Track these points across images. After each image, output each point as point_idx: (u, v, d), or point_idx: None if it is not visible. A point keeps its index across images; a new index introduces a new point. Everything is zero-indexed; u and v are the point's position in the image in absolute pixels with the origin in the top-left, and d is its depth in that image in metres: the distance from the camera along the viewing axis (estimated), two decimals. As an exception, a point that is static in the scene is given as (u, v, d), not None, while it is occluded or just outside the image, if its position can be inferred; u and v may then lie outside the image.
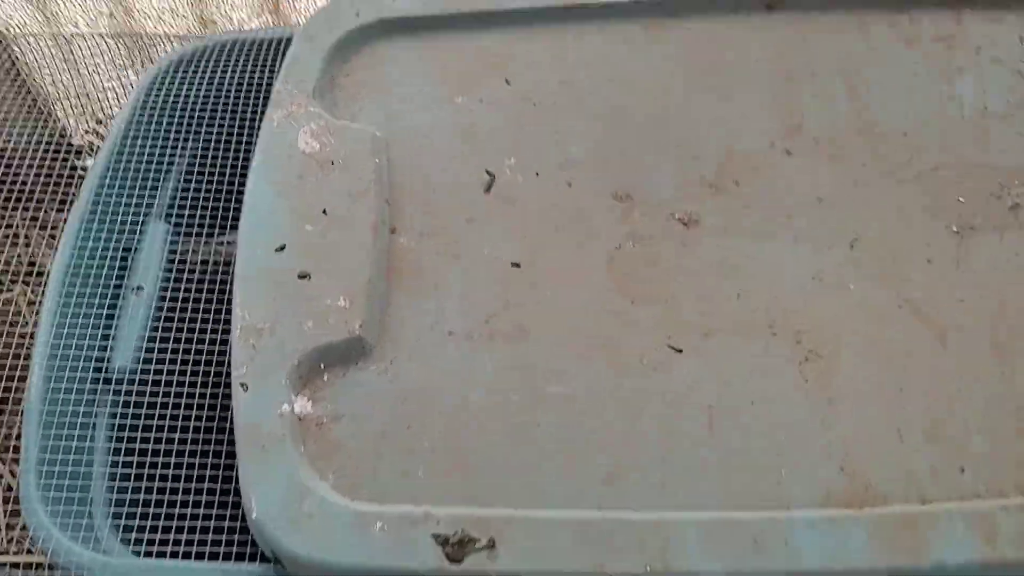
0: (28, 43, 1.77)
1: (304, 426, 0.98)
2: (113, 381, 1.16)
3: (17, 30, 1.79)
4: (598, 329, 1.04)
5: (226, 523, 0.98)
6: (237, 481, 0.96)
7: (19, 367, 1.29)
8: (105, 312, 1.21)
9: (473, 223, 1.12)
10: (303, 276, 1.06)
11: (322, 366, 1.02)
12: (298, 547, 0.90)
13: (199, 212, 1.25)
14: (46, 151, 1.71)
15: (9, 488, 1.69)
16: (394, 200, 1.14)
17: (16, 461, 1.65)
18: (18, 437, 1.20)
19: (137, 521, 1.02)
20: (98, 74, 1.79)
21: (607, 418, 0.98)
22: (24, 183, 1.53)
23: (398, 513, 0.92)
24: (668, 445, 0.96)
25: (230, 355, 1.02)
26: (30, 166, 1.55)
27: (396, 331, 1.05)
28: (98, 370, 1.18)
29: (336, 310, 1.03)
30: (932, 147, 1.13)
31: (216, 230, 1.25)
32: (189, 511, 1.01)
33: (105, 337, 1.19)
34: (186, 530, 0.99)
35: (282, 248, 1.08)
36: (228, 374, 1.02)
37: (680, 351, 1.02)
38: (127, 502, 1.04)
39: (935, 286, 1.04)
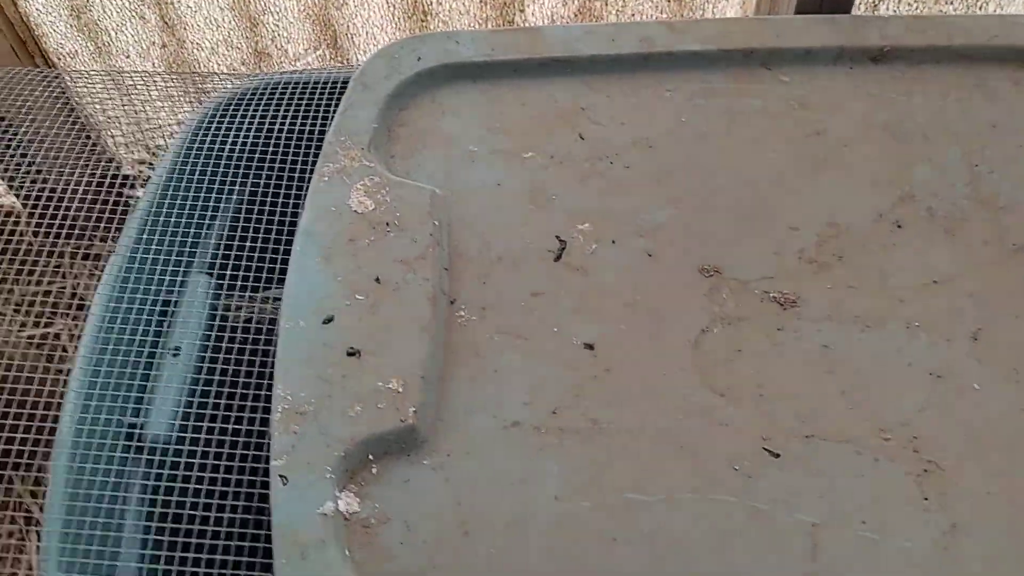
0: (79, 75, 1.71)
1: (350, 528, 0.87)
2: (146, 450, 1.07)
3: (68, 61, 1.73)
4: (682, 426, 0.91)
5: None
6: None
7: (59, 406, 1.21)
8: (140, 373, 1.12)
9: (540, 297, 1.01)
10: (352, 353, 0.95)
11: (371, 457, 0.91)
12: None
13: (244, 265, 1.15)
14: (95, 180, 1.64)
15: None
16: (453, 268, 1.03)
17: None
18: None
19: None
20: (149, 104, 1.72)
21: (695, 534, 0.85)
22: (73, 212, 1.45)
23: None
24: (767, 571, 0.83)
25: (270, 440, 0.92)
26: (78, 195, 1.47)
27: (453, 420, 0.93)
28: (130, 437, 1.09)
29: (388, 394, 0.92)
30: (1067, 224, 1.00)
31: (262, 284, 1.16)
32: None
33: (139, 400, 1.10)
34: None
35: (330, 320, 0.97)
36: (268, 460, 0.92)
37: (778, 456, 0.89)
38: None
39: (1075, 390, 0.90)
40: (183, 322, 1.16)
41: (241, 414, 1.05)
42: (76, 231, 1.42)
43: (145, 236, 1.19)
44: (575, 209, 1.07)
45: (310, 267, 1.01)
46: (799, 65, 1.13)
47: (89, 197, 1.49)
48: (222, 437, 1.02)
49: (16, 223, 2.08)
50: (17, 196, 1.93)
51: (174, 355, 1.15)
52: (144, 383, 1.13)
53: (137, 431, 1.09)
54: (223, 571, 0.93)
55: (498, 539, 0.86)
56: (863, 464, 0.88)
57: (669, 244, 1.04)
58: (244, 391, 1.06)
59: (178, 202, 1.21)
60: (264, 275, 1.15)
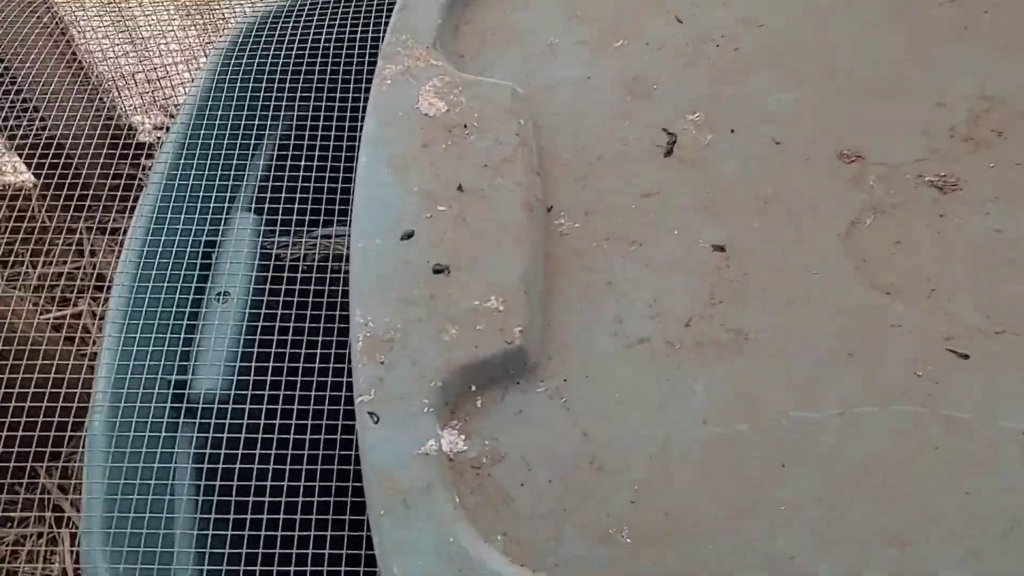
0: (88, 24, 1.56)
1: (457, 470, 0.72)
2: (197, 412, 0.92)
3: (73, 8, 1.59)
4: (847, 331, 0.76)
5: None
6: (370, 547, 0.71)
7: (86, 394, 1.06)
8: (184, 324, 0.98)
9: (654, 197, 0.85)
10: (439, 270, 0.80)
11: (473, 387, 0.76)
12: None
13: (295, 202, 1.00)
14: (110, 149, 1.49)
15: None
16: (546, 171, 0.88)
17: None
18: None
19: None
20: (167, 57, 1.57)
21: (882, 452, 0.70)
22: (87, 185, 1.31)
23: (599, 595, 0.65)
24: (973, 489, 0.68)
25: (352, 376, 0.77)
26: (92, 165, 1.33)
27: (566, 341, 0.78)
28: (178, 398, 0.94)
29: (487, 313, 0.77)
30: None
31: (318, 222, 1.01)
32: None
33: (185, 356, 0.96)
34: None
35: (409, 236, 0.82)
36: (347, 402, 0.78)
37: (966, 356, 0.74)
38: (223, 572, 0.79)
39: None
40: (230, 265, 1.01)
41: (311, 363, 0.90)
42: (89, 202, 1.27)
43: (180, 172, 1.04)
44: (681, 99, 0.91)
45: (380, 179, 0.86)
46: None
47: (105, 164, 1.35)
48: (289, 387, 0.87)
49: (28, 201, 1.93)
50: (28, 165, 1.78)
51: (221, 300, 1.00)
52: (188, 335, 0.98)
53: (185, 390, 0.95)
54: (302, 550, 0.78)
55: (639, 473, 0.71)
56: (1074, 360, 0.72)
57: (798, 130, 0.88)
58: (311, 336, 0.91)
59: (214, 132, 1.07)
60: (323, 212, 1.00)
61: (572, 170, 0.88)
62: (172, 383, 0.94)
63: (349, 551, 0.75)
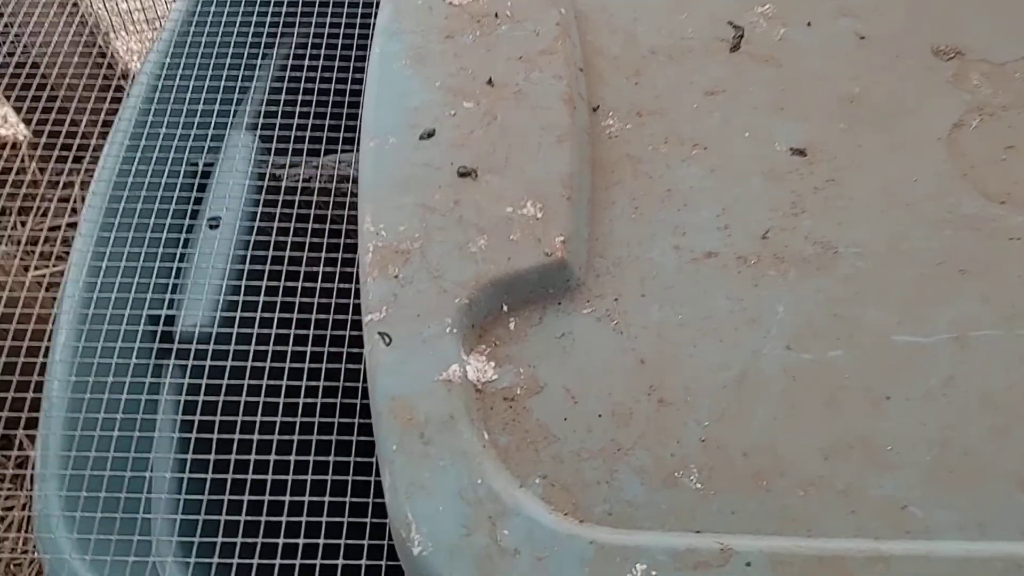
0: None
1: (486, 401, 0.60)
2: (181, 350, 0.79)
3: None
4: (956, 245, 0.63)
5: (362, 562, 0.60)
6: (379, 494, 0.58)
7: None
8: (169, 253, 0.85)
9: (719, 96, 0.72)
10: (465, 174, 0.68)
11: (505, 307, 0.63)
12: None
13: (305, 128, 0.88)
14: (101, 91, 1.37)
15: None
16: (590, 67, 0.75)
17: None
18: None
19: (217, 558, 0.64)
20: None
21: (1005, 384, 0.57)
22: (74, 133, 1.17)
23: (669, 547, 0.52)
24: None
25: (359, 293, 0.64)
26: (81, 110, 1.19)
27: (617, 254, 0.65)
28: (163, 335, 0.82)
29: (522, 222, 0.65)
30: None
31: (322, 151, 0.89)
32: (301, 542, 0.62)
33: (169, 288, 0.83)
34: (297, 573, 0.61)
35: (430, 135, 0.70)
36: (353, 342, 0.65)
37: (1105, 276, 0.61)
38: (202, 527, 0.66)
39: None
40: (224, 189, 0.88)
41: (309, 297, 0.77)
42: (75, 153, 1.14)
43: (163, 85, 0.91)
44: (748, -10, 0.78)
45: (396, 72, 0.74)
46: None
47: (97, 108, 1.22)
48: (285, 321, 0.74)
49: (15, 152, 1.81)
50: (17, 111, 1.66)
51: (212, 228, 0.87)
52: (175, 264, 0.85)
53: (170, 325, 0.82)
54: (299, 482, 0.65)
55: (710, 407, 0.58)
56: None
57: (885, 24, 0.75)
58: (311, 265, 0.79)
59: (206, 41, 0.94)
60: (328, 136, 0.88)
61: (621, 66, 0.75)
62: (154, 318, 0.82)
63: (353, 499, 0.62)
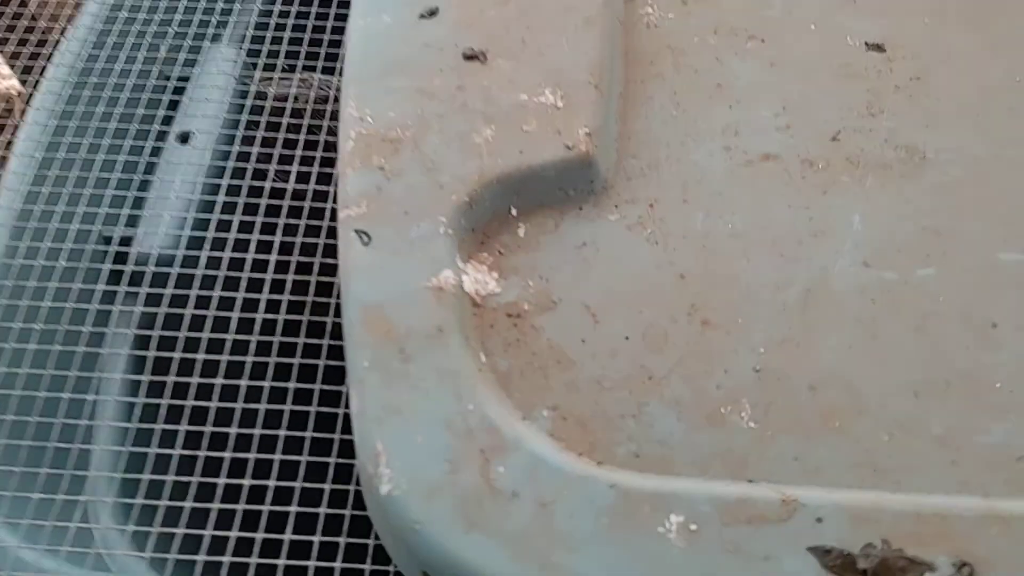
0: None
1: (485, 317, 0.48)
2: (136, 274, 0.67)
3: None
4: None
5: (321, 510, 0.48)
6: (348, 430, 0.46)
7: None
8: (132, 169, 0.73)
9: (780, -16, 0.61)
10: (472, 56, 0.56)
11: (513, 211, 0.51)
12: (488, 556, 0.39)
13: (287, 37, 0.77)
14: None
15: None
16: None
17: None
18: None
19: (158, 526, 0.51)
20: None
21: None
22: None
23: (714, 496, 0.40)
24: None
25: (336, 188, 0.53)
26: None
27: (653, 156, 0.54)
28: (116, 258, 0.70)
29: (539, 111, 0.53)
30: None
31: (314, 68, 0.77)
32: (263, 510, 0.50)
33: (129, 204, 0.71)
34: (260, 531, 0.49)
35: (432, 13, 0.58)
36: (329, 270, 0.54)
37: None
38: (145, 489, 0.54)
39: None
40: (199, 103, 0.77)
41: (278, 219, 0.66)
42: None
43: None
44: None
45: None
46: None
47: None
48: (240, 254, 0.62)
49: (9, 109, 1.71)
50: (11, 66, 1.56)
51: (182, 143, 0.76)
52: (141, 177, 0.73)
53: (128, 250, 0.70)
54: (264, 455, 0.53)
55: (767, 331, 0.46)
56: None
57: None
58: (283, 183, 0.67)
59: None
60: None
61: (662, -48, 0.64)
62: (106, 239, 0.70)
63: (316, 433, 0.50)
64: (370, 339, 0.45)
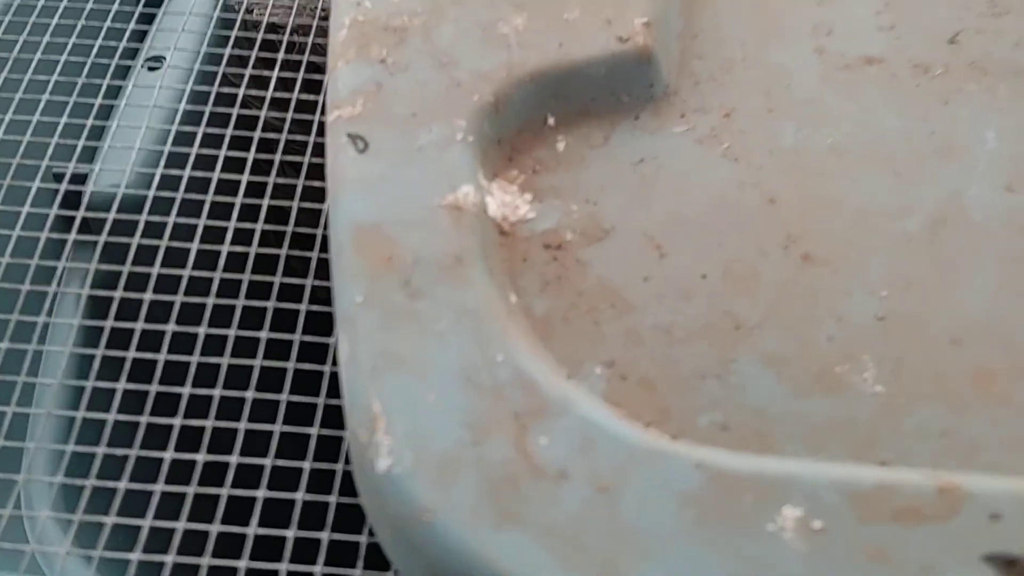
0: None
1: (515, 248, 0.37)
2: (92, 220, 0.55)
3: None
4: None
5: (298, 495, 0.37)
6: (336, 393, 0.35)
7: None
8: (89, 99, 0.61)
9: None
10: (498, -65, 0.45)
11: (551, 120, 0.40)
12: (527, 560, 0.28)
13: None
14: None
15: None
16: None
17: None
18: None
19: (112, 517, 0.40)
20: None
21: None
22: None
23: (842, 482, 0.29)
24: None
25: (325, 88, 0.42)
26: None
27: (727, 57, 0.43)
28: (67, 202, 0.57)
29: (581, -1, 0.42)
30: None
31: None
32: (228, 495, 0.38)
33: (80, 136, 0.59)
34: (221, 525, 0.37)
35: None
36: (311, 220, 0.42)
37: None
38: (91, 468, 0.42)
39: None
40: (173, 28, 0.65)
41: (251, 154, 0.54)
42: None
43: None
44: None
45: None
46: None
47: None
48: (225, 198, 0.51)
49: None
50: None
51: (151, 70, 0.65)
52: (98, 118, 0.61)
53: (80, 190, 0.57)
54: (228, 424, 0.41)
55: (889, 269, 0.35)
56: None
57: None
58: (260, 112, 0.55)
59: None
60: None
61: None
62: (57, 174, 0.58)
63: (294, 396, 0.39)
64: (366, 267, 0.34)
